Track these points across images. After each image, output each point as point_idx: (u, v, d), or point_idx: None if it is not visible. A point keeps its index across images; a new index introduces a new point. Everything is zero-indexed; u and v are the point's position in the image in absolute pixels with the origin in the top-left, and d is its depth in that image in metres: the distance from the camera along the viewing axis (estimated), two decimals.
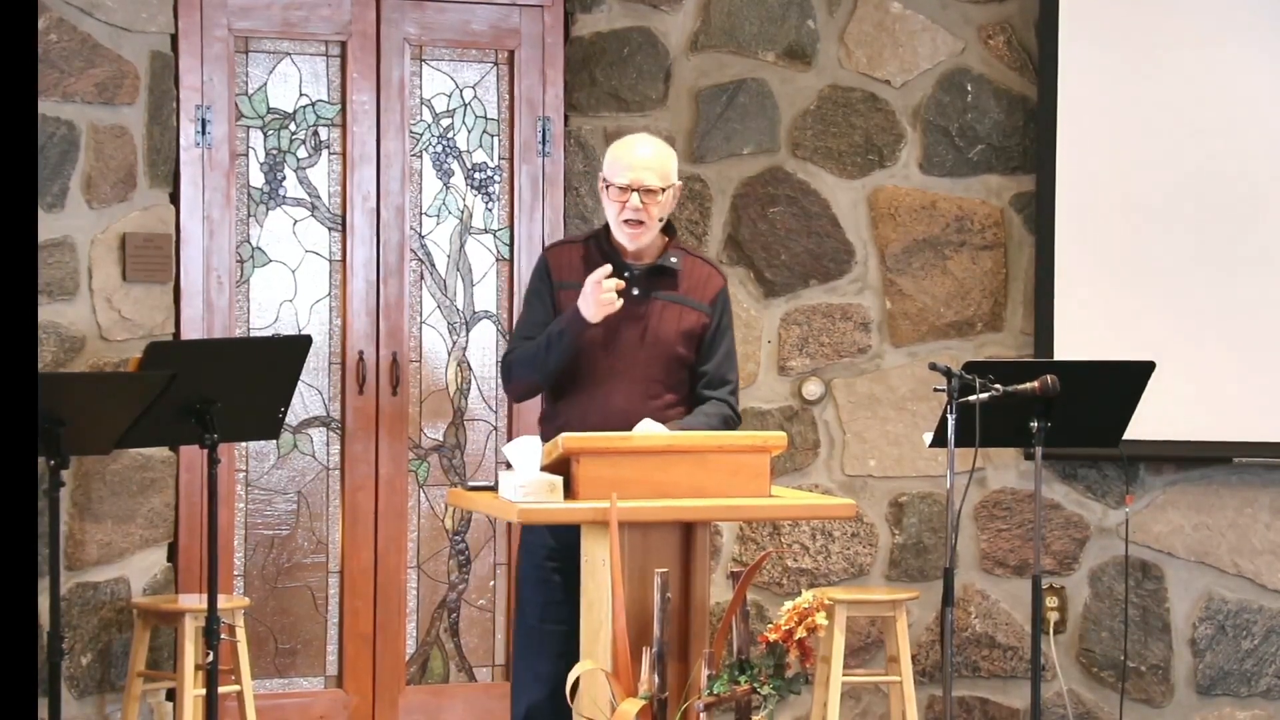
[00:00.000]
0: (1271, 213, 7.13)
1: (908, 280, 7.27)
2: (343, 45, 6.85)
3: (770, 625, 4.83)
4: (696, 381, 5.42)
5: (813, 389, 7.22)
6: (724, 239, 7.17)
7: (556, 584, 5.30)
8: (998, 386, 5.51)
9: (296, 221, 6.85)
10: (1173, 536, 7.31)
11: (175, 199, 6.64)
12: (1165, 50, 7.15)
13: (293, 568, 6.83)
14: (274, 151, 6.81)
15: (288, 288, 6.84)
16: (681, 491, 5.00)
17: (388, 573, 6.86)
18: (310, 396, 6.82)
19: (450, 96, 7.00)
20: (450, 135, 6.99)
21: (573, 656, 5.05)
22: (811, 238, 7.23)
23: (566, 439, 4.96)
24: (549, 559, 5.33)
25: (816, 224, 7.23)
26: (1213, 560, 7.31)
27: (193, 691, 6.18)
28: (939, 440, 5.63)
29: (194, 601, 6.31)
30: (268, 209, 6.81)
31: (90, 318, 6.51)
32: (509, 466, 5.03)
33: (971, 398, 5.49)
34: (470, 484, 6.11)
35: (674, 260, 5.41)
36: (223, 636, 5.60)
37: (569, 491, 4.98)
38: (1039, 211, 7.22)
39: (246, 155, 6.78)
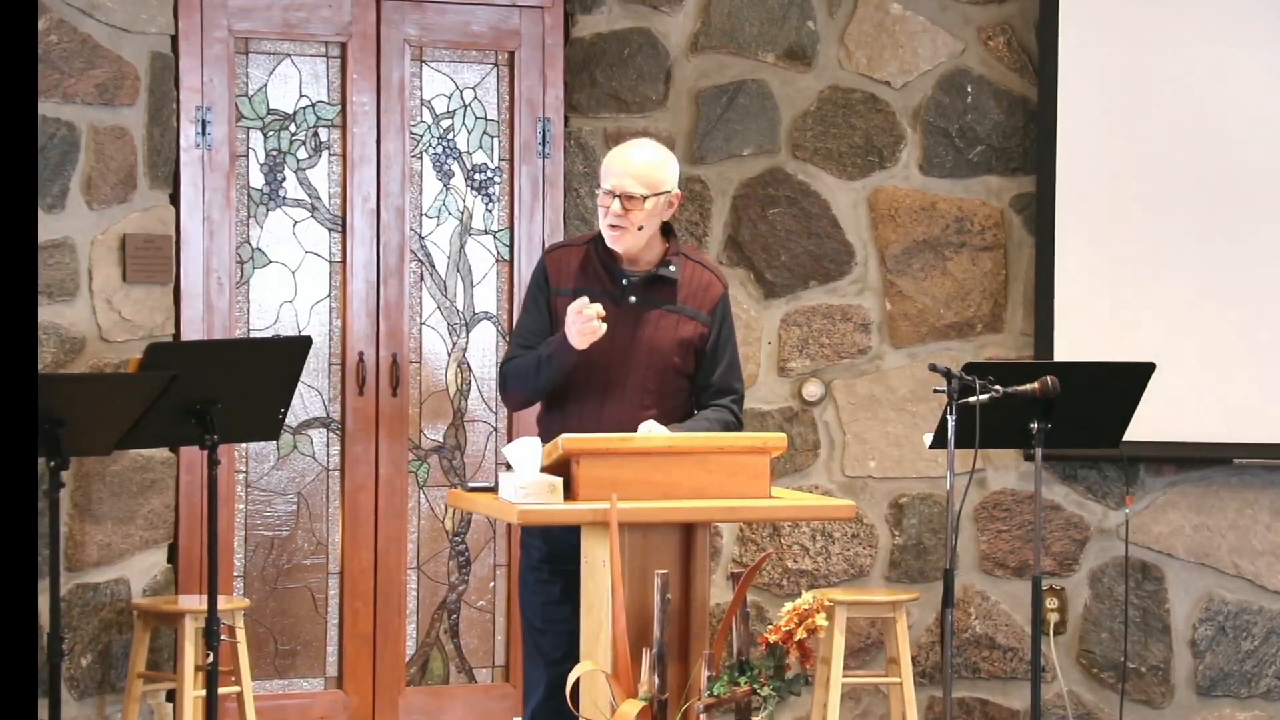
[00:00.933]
0: (1271, 213, 7.13)
1: (908, 281, 7.27)
2: (343, 46, 6.85)
3: (770, 626, 4.83)
4: (696, 393, 5.41)
5: (813, 390, 7.22)
6: (724, 240, 7.17)
7: (552, 587, 5.31)
8: (998, 387, 5.51)
9: (296, 222, 6.85)
10: (1173, 537, 7.30)
11: (175, 200, 6.64)
12: (1165, 50, 7.15)
13: (293, 569, 6.83)
14: (274, 152, 6.81)
15: (288, 289, 6.83)
16: (681, 492, 4.99)
17: (388, 574, 6.86)
18: (310, 397, 6.82)
19: (450, 98, 7.00)
20: (450, 136, 6.99)
21: (572, 658, 5.05)
22: (811, 239, 7.22)
23: (567, 440, 4.96)
24: (542, 563, 5.34)
25: (816, 225, 7.23)
26: (1213, 561, 7.31)
27: (193, 692, 6.18)
28: (939, 441, 5.63)
29: (194, 602, 6.30)
30: (268, 210, 6.81)
31: (90, 319, 6.51)
32: (509, 468, 5.03)
33: (971, 399, 5.48)
34: (470, 485, 6.09)
35: (672, 269, 5.38)
36: (223, 637, 5.60)
37: (569, 492, 4.97)
38: (1039, 212, 7.21)
39: (246, 156, 6.77)
